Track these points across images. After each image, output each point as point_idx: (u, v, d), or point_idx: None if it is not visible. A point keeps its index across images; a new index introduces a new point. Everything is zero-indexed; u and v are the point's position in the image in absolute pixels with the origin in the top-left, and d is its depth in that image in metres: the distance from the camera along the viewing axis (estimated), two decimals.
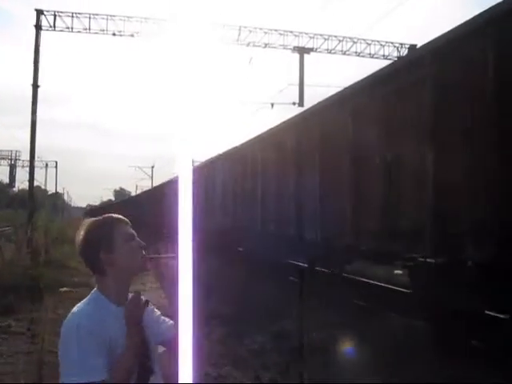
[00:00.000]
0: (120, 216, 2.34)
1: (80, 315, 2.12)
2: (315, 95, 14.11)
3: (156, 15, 23.91)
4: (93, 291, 2.27)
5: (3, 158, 61.89)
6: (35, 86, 22.20)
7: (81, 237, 2.23)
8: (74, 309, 2.18)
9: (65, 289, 10.87)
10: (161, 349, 2.36)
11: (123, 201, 74.46)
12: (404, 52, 25.19)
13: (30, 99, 21.99)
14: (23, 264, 11.94)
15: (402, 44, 25.77)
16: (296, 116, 11.62)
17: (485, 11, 5.66)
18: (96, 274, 2.26)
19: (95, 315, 2.12)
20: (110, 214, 2.34)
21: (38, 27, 22.72)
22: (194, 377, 1.86)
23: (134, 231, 2.30)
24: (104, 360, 2.05)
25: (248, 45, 24.77)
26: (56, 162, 67.91)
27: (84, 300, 2.24)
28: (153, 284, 12.45)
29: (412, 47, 24.50)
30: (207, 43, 23.58)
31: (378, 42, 25.75)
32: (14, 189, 76.67)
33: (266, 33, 24.78)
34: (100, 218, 2.31)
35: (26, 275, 10.62)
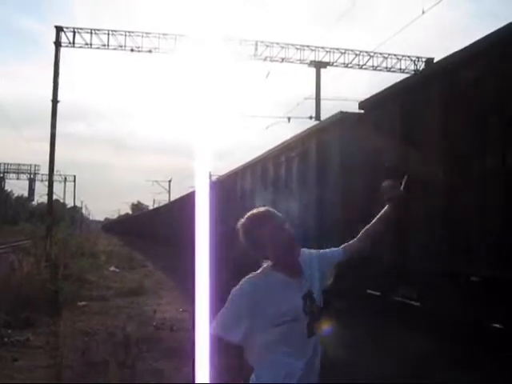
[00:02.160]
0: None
1: (246, 279, 2.36)
2: (333, 108, 14.15)
3: (174, 31, 24.10)
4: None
5: (23, 172, 62.71)
6: (55, 101, 22.50)
7: (241, 230, 2.45)
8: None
9: (83, 303, 10.93)
10: None
11: (143, 213, 74.85)
12: (421, 66, 25.15)
13: (50, 113, 22.31)
14: (42, 278, 12.01)
15: (418, 58, 25.77)
16: None
17: None
18: (260, 257, 2.45)
19: (259, 282, 2.34)
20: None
21: (58, 44, 23.07)
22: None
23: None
24: (247, 323, 2.26)
25: (265, 59, 24.93)
26: (74, 176, 68.61)
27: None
28: (168, 298, 12.49)
29: (429, 61, 24.46)
30: (224, 58, 23.79)
31: (394, 55, 25.77)
32: (33, 202, 77.54)
33: (282, 47, 24.92)
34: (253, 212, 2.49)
35: (44, 289, 10.68)
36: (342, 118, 10.39)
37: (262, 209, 2.46)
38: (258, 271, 2.40)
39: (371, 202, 8.03)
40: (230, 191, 18.74)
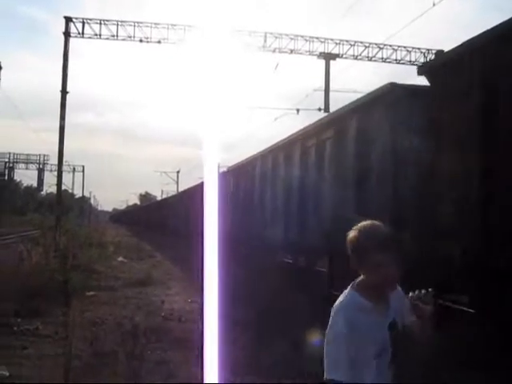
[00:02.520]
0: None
1: (340, 316, 2.28)
2: (341, 100, 14.03)
3: (183, 22, 24.04)
4: (348, 289, 2.38)
5: (32, 162, 62.97)
6: (64, 92, 22.57)
7: (354, 236, 2.33)
8: (337, 306, 2.33)
9: (91, 293, 10.99)
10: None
11: (151, 203, 75.08)
12: (431, 57, 24.98)
13: (59, 104, 22.38)
14: (51, 268, 12.09)
15: (428, 50, 25.59)
16: None
17: None
18: (359, 271, 2.36)
19: (353, 319, 2.26)
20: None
21: (67, 34, 23.08)
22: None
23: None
24: (353, 359, 2.23)
25: (274, 51, 24.84)
26: (83, 167, 68.86)
27: (342, 299, 2.36)
28: (176, 289, 12.53)
29: (439, 53, 24.28)
30: (233, 49, 23.72)
31: (404, 47, 25.61)
32: (42, 192, 77.93)
33: (291, 39, 24.82)
34: (376, 223, 2.37)
35: (53, 279, 10.75)
36: (393, 89, 8.39)
37: (387, 229, 2.34)
38: (346, 297, 2.34)
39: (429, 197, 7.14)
40: (246, 180, 17.58)
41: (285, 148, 13.59)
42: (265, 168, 15.29)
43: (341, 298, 2.36)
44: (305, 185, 11.88)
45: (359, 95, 10.93)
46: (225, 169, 21.53)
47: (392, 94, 8.38)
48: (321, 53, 25.16)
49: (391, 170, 8.21)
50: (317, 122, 12.03)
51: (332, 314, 2.31)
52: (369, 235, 2.28)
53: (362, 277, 2.36)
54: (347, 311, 2.29)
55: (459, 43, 6.83)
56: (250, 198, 16.55)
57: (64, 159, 24.37)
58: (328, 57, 25.13)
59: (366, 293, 2.32)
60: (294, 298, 10.22)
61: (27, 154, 62.98)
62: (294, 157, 12.78)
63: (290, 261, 13.67)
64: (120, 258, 19.74)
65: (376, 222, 2.35)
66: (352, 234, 2.33)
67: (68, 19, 23.22)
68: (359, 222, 2.36)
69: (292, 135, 13.38)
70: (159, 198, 79.50)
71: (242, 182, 18.26)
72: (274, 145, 14.80)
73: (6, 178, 62.88)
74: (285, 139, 13.82)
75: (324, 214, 10.57)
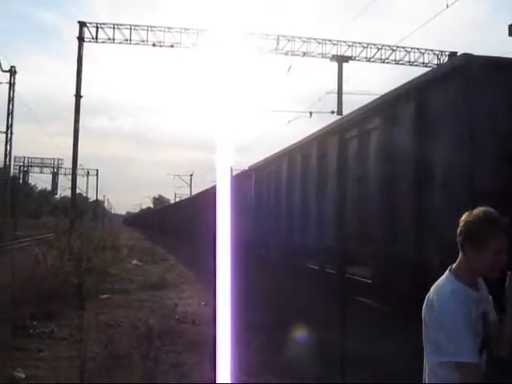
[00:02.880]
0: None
1: (451, 298, 2.27)
2: (355, 103, 13.90)
3: (196, 26, 24.16)
4: (446, 273, 2.39)
5: (46, 166, 63.38)
6: (78, 96, 22.75)
7: (473, 221, 2.32)
8: (435, 291, 2.35)
9: (106, 296, 11.05)
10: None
11: (164, 207, 75.32)
12: (444, 59, 24.86)
13: (73, 108, 22.58)
14: (65, 271, 12.18)
15: (442, 51, 25.45)
16: None
17: None
18: (469, 258, 2.34)
19: (462, 299, 2.26)
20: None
21: (81, 39, 23.28)
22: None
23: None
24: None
25: (286, 54, 24.84)
26: (97, 170, 69.22)
27: (442, 283, 2.37)
28: (190, 292, 12.56)
29: (452, 54, 24.16)
30: (246, 52, 23.76)
31: (417, 49, 25.50)
32: (56, 196, 78.42)
33: (304, 42, 24.82)
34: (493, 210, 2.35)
35: (68, 282, 10.82)
36: (469, 62, 6.73)
37: (505, 217, 2.32)
38: (451, 284, 2.33)
39: None
40: (270, 179, 15.89)
41: (318, 141, 11.85)
42: (293, 166, 13.63)
43: (446, 286, 2.34)
44: (343, 182, 10.21)
45: (373, 97, 10.58)
46: (238, 171, 21.49)
47: (466, 67, 6.66)
48: (333, 55, 25.13)
49: (468, 165, 6.49)
50: (358, 109, 10.16)
51: (438, 301, 2.31)
52: (490, 221, 2.29)
53: (460, 263, 2.36)
54: (458, 299, 2.27)
55: (474, 45, 6.59)
56: (275, 199, 15.08)
57: (78, 163, 24.57)
58: (341, 59, 25.09)
59: (467, 280, 2.33)
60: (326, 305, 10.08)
61: (42, 158, 63.38)
62: (327, 150, 11.23)
63: (316, 267, 12.43)
64: (134, 261, 19.83)
65: (492, 209, 2.34)
66: (470, 218, 2.33)
67: (82, 24, 23.42)
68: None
69: (326, 127, 11.86)
70: (172, 202, 79.76)
71: (265, 182, 16.72)
72: (305, 139, 13.20)
73: (21, 181, 63.32)
74: (317, 132, 12.29)
75: (368, 217, 9.07)
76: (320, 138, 11.84)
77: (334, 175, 10.64)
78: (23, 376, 5.58)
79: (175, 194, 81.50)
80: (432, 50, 25.58)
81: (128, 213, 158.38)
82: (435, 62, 25.08)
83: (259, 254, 16.46)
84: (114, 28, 23.94)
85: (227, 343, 2.06)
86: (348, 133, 10.26)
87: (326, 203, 11.11)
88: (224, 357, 2.01)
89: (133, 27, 24.02)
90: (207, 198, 23.42)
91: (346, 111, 22.42)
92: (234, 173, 23.85)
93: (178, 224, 42.20)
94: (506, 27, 6.27)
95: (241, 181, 18.91)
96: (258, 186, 17.45)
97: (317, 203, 11.57)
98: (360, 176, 9.34)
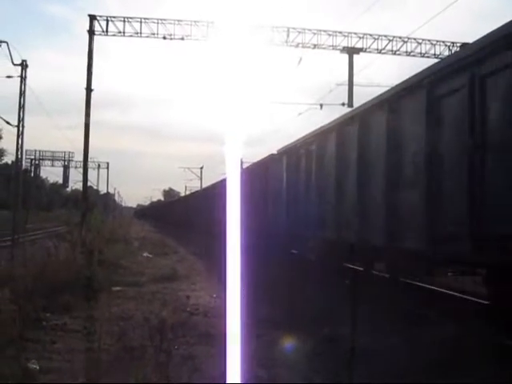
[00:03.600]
0: None
1: None
2: (365, 94, 13.80)
3: (206, 18, 24.09)
4: None
5: (57, 159, 63.69)
6: (89, 90, 22.80)
7: None
8: None
9: (118, 288, 11.11)
10: None
11: (175, 200, 75.48)
12: (455, 50, 24.65)
13: (83, 101, 22.65)
14: (78, 263, 12.24)
15: (453, 43, 25.25)
16: None
17: None
18: None
19: None
20: None
21: (91, 32, 23.30)
22: (244, 377, 1.88)
23: None
24: None
25: (297, 46, 24.73)
26: (108, 163, 69.42)
27: None
28: (201, 284, 12.60)
29: (464, 45, 23.94)
30: (256, 45, 23.69)
31: (428, 41, 25.30)
32: (68, 189, 78.84)
33: (314, 34, 24.67)
34: None
35: (80, 274, 10.88)
36: None
37: None
38: None
39: None
40: (300, 164, 14.03)
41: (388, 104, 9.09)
42: (345, 143, 10.91)
43: None
44: (388, 164, 8.75)
45: (384, 89, 10.41)
46: (248, 163, 21.41)
47: None
48: (344, 47, 24.98)
49: None
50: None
51: None
52: None
53: None
54: None
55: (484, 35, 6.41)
56: (318, 184, 12.62)
57: (89, 156, 24.64)
58: (351, 51, 24.93)
59: None
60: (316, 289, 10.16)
61: (53, 152, 63.70)
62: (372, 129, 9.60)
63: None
64: (145, 254, 19.92)
65: None
66: None
67: (92, 17, 23.43)
68: None
69: (366, 104, 10.12)
70: (183, 194, 79.89)
71: (295, 166, 14.60)
72: (341, 117, 11.64)
73: (32, 174, 63.67)
74: (357, 108, 10.65)
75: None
76: (361, 116, 9.83)
77: (353, 170, 9.33)
78: (37, 368, 5.63)
79: (185, 187, 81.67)
80: (443, 42, 25.39)
81: (139, 205, 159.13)
82: (446, 53, 24.88)
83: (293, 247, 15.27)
84: (124, 21, 23.92)
85: (237, 335, 2.07)
86: (372, 115, 9.47)
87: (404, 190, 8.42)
88: (234, 349, 2.02)
89: (143, 20, 23.99)
90: (218, 191, 23.44)
91: (356, 103, 22.34)
92: (245, 165, 23.84)
93: (189, 216, 42.30)
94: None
95: (270, 165, 17.61)
96: (292, 171, 14.80)
97: (386, 191, 8.89)
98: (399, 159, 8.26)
